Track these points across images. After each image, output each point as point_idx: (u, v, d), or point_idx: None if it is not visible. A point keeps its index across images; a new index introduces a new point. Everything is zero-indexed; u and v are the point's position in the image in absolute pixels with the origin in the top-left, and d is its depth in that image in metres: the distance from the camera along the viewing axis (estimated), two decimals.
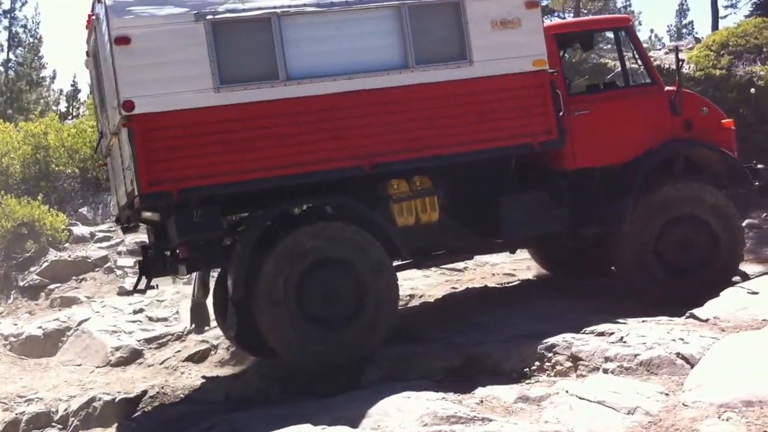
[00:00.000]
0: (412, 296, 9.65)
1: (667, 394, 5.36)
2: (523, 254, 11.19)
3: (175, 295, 10.89)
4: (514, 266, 10.45)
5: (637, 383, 5.66)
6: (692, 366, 5.61)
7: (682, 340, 6.07)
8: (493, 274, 10.34)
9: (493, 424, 5.18)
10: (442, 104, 7.54)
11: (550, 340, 6.69)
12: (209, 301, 8.19)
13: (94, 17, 7.49)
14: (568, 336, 6.66)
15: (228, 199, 7.35)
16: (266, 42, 7.16)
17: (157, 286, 8.25)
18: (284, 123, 7.20)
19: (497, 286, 9.60)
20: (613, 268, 8.78)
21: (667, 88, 8.54)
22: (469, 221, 7.97)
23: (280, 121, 7.20)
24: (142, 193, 6.89)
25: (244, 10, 7.13)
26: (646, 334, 6.33)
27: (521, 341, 6.94)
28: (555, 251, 9.41)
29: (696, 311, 7.08)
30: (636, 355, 6.01)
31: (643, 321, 6.90)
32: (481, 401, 5.79)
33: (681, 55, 9.22)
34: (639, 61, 8.81)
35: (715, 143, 8.51)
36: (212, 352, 9.01)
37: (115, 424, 7.62)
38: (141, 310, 10.57)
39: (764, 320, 6.43)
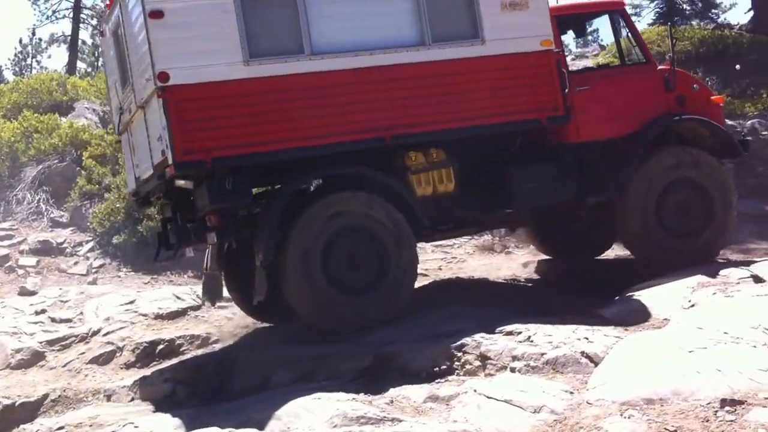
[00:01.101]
0: None
1: (571, 393, 5.47)
2: (435, 254, 11.29)
3: (79, 296, 10.57)
4: (426, 266, 10.52)
5: (543, 382, 5.75)
6: (596, 364, 5.73)
7: (587, 339, 6.20)
8: None
9: (403, 424, 5.20)
10: (457, 80, 7.96)
11: (460, 340, 6.74)
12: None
13: None
14: (477, 335, 6.72)
15: (256, 169, 7.59)
16: (292, 17, 7.47)
17: (182, 255, 8.51)
18: (309, 96, 7.51)
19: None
20: (610, 245, 9.53)
21: (660, 66, 9.19)
22: (481, 193, 8.34)
23: (306, 94, 7.50)
24: (176, 161, 7.11)
25: None
26: (553, 333, 6.43)
27: (432, 341, 6.96)
28: (554, 233, 9.85)
29: (602, 310, 7.27)
30: (542, 354, 6.10)
31: (550, 320, 7.03)
32: (391, 401, 5.80)
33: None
34: (633, 42, 9.38)
35: (706, 117, 9.04)
36: (117, 354, 8.77)
37: (15, 429, 7.33)
38: (43, 311, 10.21)
39: (665, 319, 6.62)
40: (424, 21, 7.82)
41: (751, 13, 19.95)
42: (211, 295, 8.55)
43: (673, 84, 8.96)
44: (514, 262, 10.94)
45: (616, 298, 7.66)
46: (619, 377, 5.14)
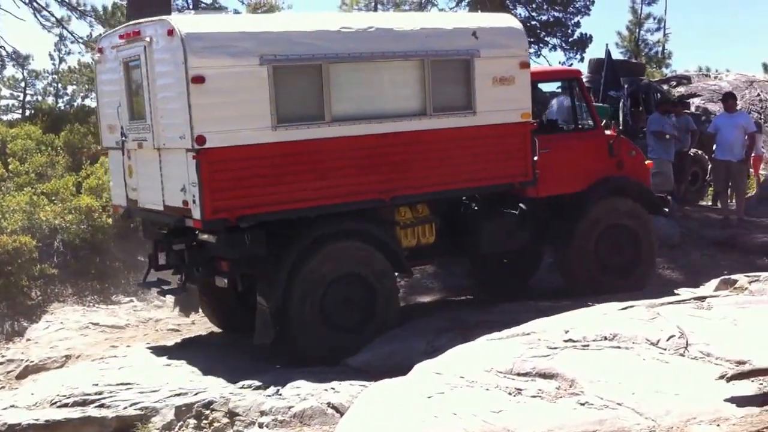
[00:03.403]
0: (68, 357, 8.97)
1: None
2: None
3: None
4: (179, 321, 10.17)
5: None
6: (341, 414, 5.76)
7: (333, 389, 6.21)
8: (157, 330, 9.97)
9: None
10: (450, 146, 8.68)
11: (208, 397, 6.55)
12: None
13: (144, 35, 7.89)
14: (226, 392, 6.58)
15: (271, 224, 7.93)
16: (316, 85, 7.90)
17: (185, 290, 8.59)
18: (324, 159, 7.99)
19: (160, 344, 9.24)
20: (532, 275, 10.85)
21: (607, 132, 10.27)
22: (453, 242, 9.23)
23: (321, 158, 7.97)
24: (204, 219, 7.48)
25: (300, 57, 7.82)
26: (301, 385, 6.35)
27: (178, 399, 6.71)
28: (490, 273, 10.80)
29: (349, 360, 7.35)
30: (290, 407, 6.02)
31: (300, 372, 7.01)
32: None
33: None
34: (586, 108, 10.43)
35: (638, 180, 10.38)
36: None
37: None
38: None
39: (410, 365, 6.78)
40: (427, 91, 8.43)
41: None
42: (186, 308, 9.11)
43: (616, 150, 10.10)
44: None
45: (366, 346, 7.80)
46: (363, 426, 5.18)
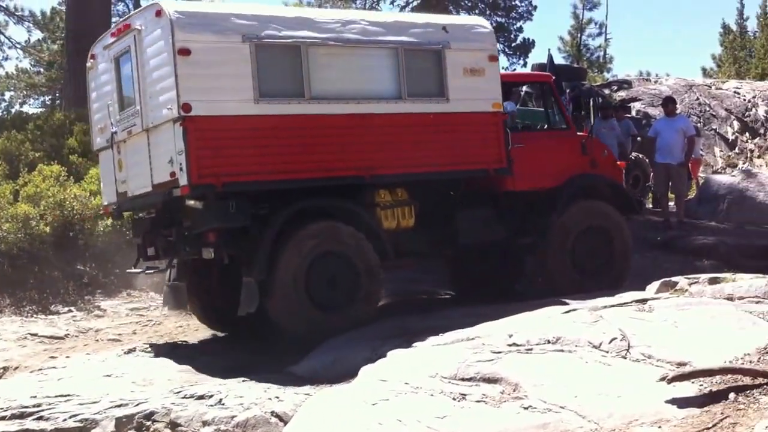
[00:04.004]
0: (5, 368, 8.70)
1: None
2: (130, 317, 10.78)
3: None
4: (120, 331, 9.96)
5: None
6: (285, 423, 5.68)
7: (278, 398, 6.11)
8: (97, 340, 9.73)
9: None
10: (424, 131, 9.15)
11: (149, 408, 6.35)
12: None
13: (134, 25, 8.42)
14: (168, 402, 6.37)
15: (253, 195, 8.35)
16: (296, 65, 8.43)
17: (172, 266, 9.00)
18: (306, 134, 8.47)
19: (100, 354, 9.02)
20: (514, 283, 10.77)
21: (579, 133, 10.82)
22: (432, 231, 9.44)
23: (303, 133, 8.45)
24: (191, 183, 7.87)
25: (280, 37, 8.38)
26: (245, 394, 6.23)
27: (119, 411, 6.53)
28: (467, 273, 10.83)
29: (293, 368, 7.27)
30: (233, 417, 5.89)
31: (243, 381, 6.91)
32: None
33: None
34: (556, 110, 10.95)
35: (611, 178, 10.77)
36: None
37: None
38: None
39: (354, 372, 6.74)
40: (402, 77, 8.95)
41: None
42: (175, 304, 9.32)
43: (589, 149, 10.51)
44: None
45: (310, 352, 7.73)
46: None
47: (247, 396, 6.21)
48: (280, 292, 8.23)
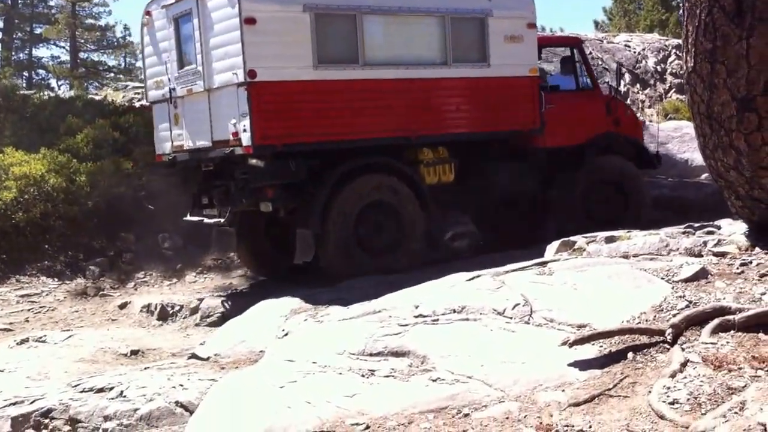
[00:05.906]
0: None
1: None
2: (21, 305, 10.38)
3: None
4: (11, 320, 9.53)
5: None
6: (191, 413, 5.50)
7: (182, 386, 5.88)
8: None
9: None
10: (467, 94, 10.19)
11: (47, 404, 6.02)
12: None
13: None
14: (65, 397, 6.08)
15: (311, 154, 9.19)
16: (351, 33, 9.24)
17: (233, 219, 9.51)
18: (360, 98, 9.33)
19: None
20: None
21: (604, 93, 11.79)
22: (469, 185, 10.42)
23: (356, 96, 9.31)
24: (255, 144, 8.67)
25: (338, 7, 9.20)
26: (147, 384, 5.97)
27: (14, 409, 6.18)
28: (495, 222, 11.74)
29: (197, 350, 7.10)
30: (136, 410, 5.65)
31: (145, 368, 6.69)
32: None
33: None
34: (585, 72, 11.68)
35: (633, 137, 11.87)
36: None
37: None
38: None
39: (261, 351, 6.63)
40: (448, 45, 9.82)
41: None
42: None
43: (613, 109, 11.53)
44: (110, 304, 10.29)
45: (214, 333, 7.56)
46: (213, 424, 4.98)
47: (149, 386, 5.99)
48: (333, 241, 9.15)
